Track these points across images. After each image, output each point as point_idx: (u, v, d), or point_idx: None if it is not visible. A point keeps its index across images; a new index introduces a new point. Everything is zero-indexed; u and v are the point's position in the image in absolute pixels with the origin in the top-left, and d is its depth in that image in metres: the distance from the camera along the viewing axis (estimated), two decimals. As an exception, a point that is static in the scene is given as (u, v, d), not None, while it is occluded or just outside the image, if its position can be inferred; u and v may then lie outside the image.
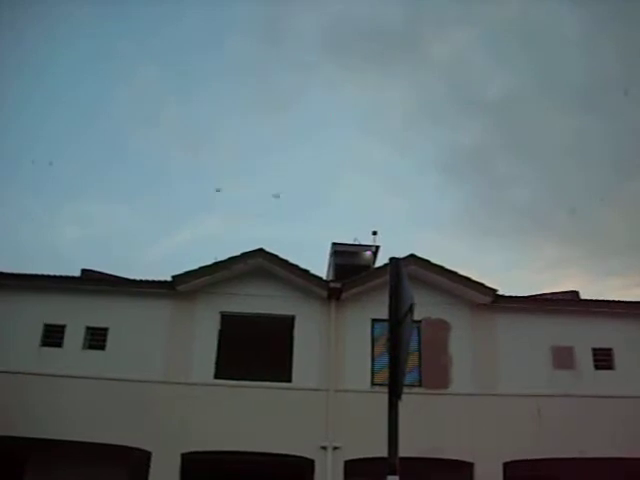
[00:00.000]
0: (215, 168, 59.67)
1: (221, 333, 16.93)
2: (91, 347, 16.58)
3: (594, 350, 17.45)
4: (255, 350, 17.17)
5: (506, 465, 15.89)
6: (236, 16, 53.68)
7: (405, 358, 5.83)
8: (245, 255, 17.07)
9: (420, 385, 16.62)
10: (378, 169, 58.02)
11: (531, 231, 54.09)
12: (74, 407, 15.61)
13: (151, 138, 57.28)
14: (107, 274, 18.62)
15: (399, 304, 5.87)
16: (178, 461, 15.46)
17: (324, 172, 62.43)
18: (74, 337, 16.52)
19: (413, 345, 16.52)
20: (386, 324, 6.14)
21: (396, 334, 5.82)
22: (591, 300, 18.28)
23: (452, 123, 55.22)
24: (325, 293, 17.19)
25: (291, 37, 52.43)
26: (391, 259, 6.21)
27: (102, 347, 16.53)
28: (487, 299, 17.45)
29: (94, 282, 17.63)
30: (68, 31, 50.42)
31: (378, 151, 54.74)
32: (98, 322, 16.72)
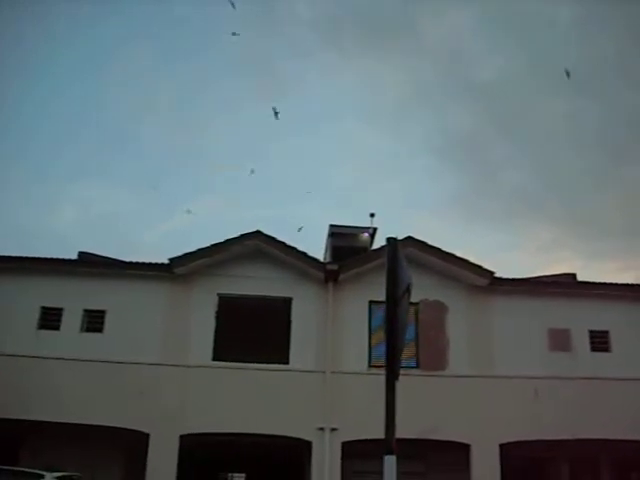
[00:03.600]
0: (214, 152, 59.52)
1: (218, 315, 16.95)
2: (89, 330, 16.57)
3: (591, 332, 17.48)
4: (252, 332, 17.15)
5: (502, 446, 15.98)
6: (235, 4, 53.22)
7: (402, 339, 5.81)
8: (242, 237, 17.04)
9: (417, 367, 16.66)
10: (374, 153, 57.98)
11: (525, 214, 54.09)
12: (72, 389, 15.61)
13: (150, 124, 57.19)
14: (104, 257, 18.58)
15: (396, 285, 5.84)
16: (176, 443, 15.51)
17: (322, 156, 62.37)
18: (72, 320, 16.50)
19: (410, 328, 16.59)
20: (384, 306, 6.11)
21: (393, 315, 5.80)
22: (588, 282, 18.32)
23: (446, 108, 55.19)
24: (322, 275, 17.19)
25: (289, 25, 52.21)
26: (388, 239, 6.17)
27: (100, 330, 16.52)
28: (484, 281, 17.45)
29: (91, 265, 17.60)
30: (67, 21, 50.25)
31: (374, 136, 54.69)
32: (96, 305, 16.71)
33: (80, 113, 56.62)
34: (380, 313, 16.23)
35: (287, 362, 16.57)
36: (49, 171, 57.17)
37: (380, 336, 16.11)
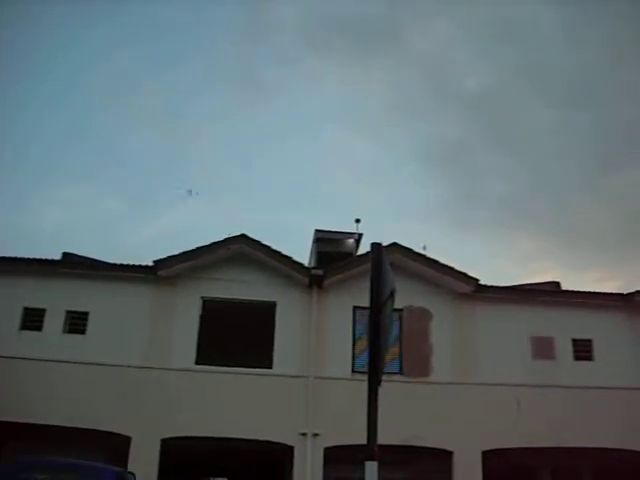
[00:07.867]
0: (200, 156, 59.36)
1: (202, 318, 16.89)
2: (71, 331, 16.46)
3: (574, 341, 17.55)
4: (236, 336, 17.11)
5: (485, 453, 16.00)
6: (219, 11, 53.42)
7: (385, 344, 5.79)
8: (227, 240, 16.99)
9: (401, 373, 16.66)
10: (360, 161, 58.12)
11: (509, 223, 54.30)
12: (54, 391, 15.52)
13: (135, 127, 57.05)
14: (88, 258, 18.45)
15: (380, 290, 5.83)
16: (158, 446, 15.42)
17: (308, 163, 62.42)
18: (54, 321, 16.38)
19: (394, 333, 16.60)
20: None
21: (376, 320, 5.78)
22: (572, 291, 18.41)
23: (432, 116, 55.36)
24: (307, 280, 17.16)
25: (274, 32, 52.23)
26: (373, 245, 6.16)
27: (82, 331, 16.42)
28: (469, 289, 17.48)
29: (75, 266, 17.45)
30: (55, 28, 50.09)
31: (360, 143, 54.79)
32: (79, 306, 16.60)
33: (68, 119, 56.39)
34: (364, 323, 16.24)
35: (270, 367, 16.52)
36: (36, 173, 56.89)
37: (364, 344, 16.09)
